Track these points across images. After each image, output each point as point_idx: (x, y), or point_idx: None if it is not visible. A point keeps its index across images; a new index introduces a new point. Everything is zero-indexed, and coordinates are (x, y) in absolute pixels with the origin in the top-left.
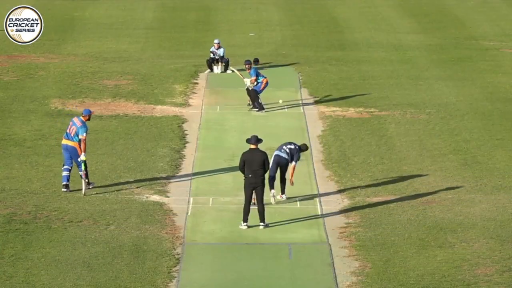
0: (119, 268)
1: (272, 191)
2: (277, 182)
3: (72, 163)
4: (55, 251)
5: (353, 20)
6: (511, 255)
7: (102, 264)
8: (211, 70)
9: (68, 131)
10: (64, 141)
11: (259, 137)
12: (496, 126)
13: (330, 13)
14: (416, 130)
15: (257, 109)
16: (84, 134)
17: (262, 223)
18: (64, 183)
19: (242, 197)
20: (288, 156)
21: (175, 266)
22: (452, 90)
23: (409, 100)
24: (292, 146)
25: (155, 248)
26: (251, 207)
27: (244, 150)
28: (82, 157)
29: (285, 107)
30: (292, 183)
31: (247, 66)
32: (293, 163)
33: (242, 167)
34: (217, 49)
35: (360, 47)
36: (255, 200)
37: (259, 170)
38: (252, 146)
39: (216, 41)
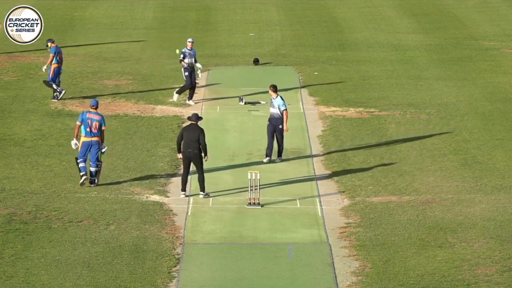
0: (119, 268)
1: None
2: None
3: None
4: (55, 251)
5: (353, 20)
6: (511, 255)
7: (102, 264)
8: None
9: (89, 129)
10: (88, 139)
11: (199, 115)
12: (496, 126)
13: (330, 13)
14: (416, 130)
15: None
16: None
17: (202, 192)
18: (84, 172)
19: (242, 197)
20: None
21: (175, 266)
22: (452, 90)
23: (409, 100)
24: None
25: (155, 248)
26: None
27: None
28: (106, 148)
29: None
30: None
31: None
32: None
33: (180, 140)
34: (190, 49)
35: (360, 47)
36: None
37: (194, 143)
38: (193, 123)
39: (190, 39)
